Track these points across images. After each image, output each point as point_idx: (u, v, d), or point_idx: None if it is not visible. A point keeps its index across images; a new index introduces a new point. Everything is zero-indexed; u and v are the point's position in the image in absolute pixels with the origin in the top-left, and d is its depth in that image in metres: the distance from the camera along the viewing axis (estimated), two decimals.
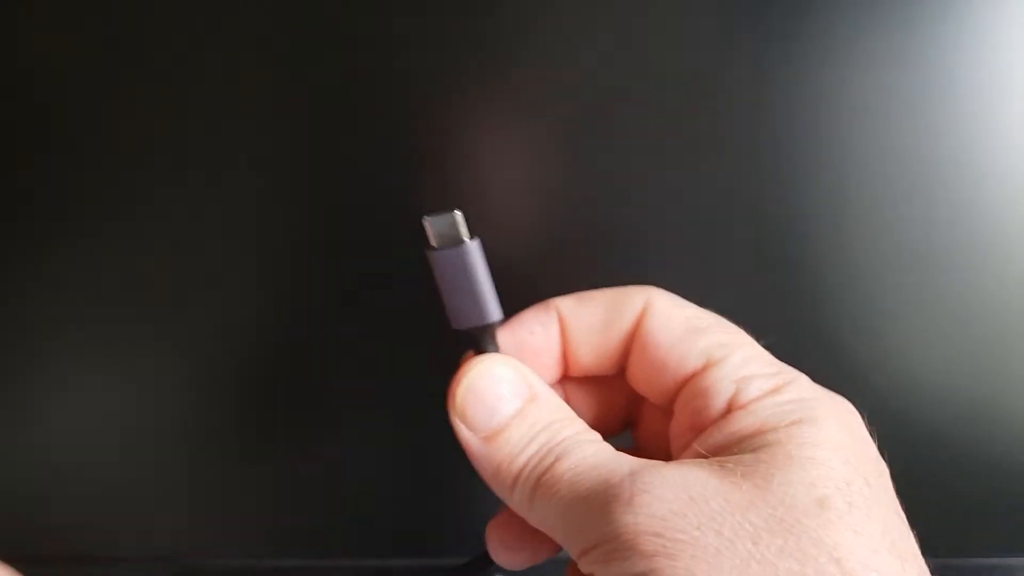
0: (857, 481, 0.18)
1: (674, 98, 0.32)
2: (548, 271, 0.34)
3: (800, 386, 0.20)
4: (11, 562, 0.33)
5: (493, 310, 0.21)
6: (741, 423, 0.19)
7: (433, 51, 0.32)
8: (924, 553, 0.20)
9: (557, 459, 0.19)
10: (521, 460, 0.19)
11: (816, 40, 0.32)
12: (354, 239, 0.34)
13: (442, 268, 0.20)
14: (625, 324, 0.22)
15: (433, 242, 0.20)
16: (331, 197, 0.34)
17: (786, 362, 0.23)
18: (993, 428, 0.35)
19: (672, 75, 0.32)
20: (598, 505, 0.17)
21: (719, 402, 0.19)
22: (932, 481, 0.35)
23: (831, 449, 0.18)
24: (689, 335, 0.21)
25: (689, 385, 0.20)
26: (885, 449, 0.23)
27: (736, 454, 0.18)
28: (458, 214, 0.20)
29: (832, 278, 0.34)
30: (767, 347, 0.22)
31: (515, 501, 0.20)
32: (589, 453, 0.19)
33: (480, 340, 0.21)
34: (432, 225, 0.20)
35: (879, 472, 0.20)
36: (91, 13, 0.32)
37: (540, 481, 0.19)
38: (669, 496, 0.17)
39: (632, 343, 0.21)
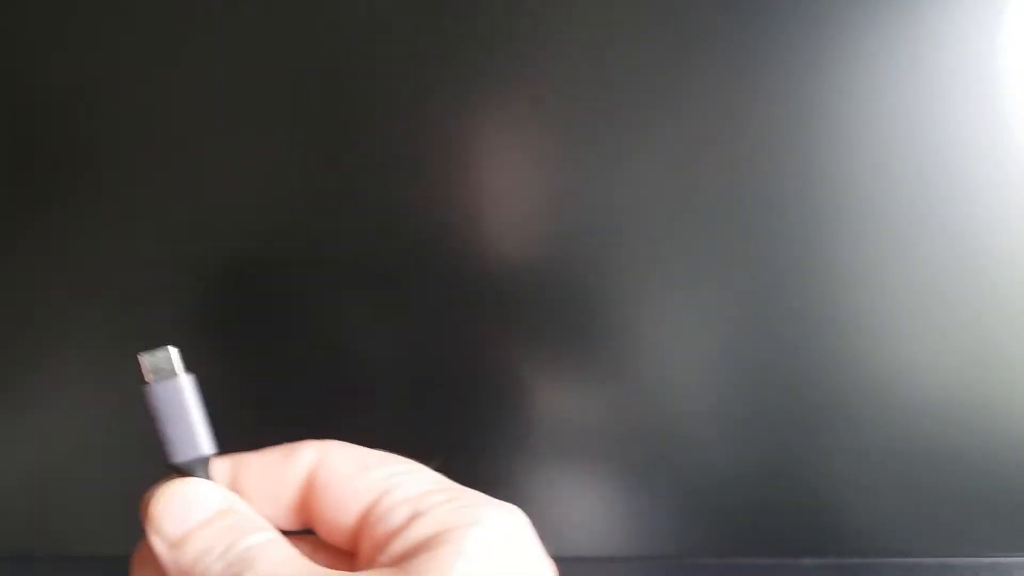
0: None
1: (673, 99, 0.32)
2: (549, 271, 0.34)
3: (473, 496, 0.21)
4: (9, 562, 0.33)
5: (206, 443, 0.21)
6: (421, 529, 0.19)
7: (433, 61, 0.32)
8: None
9: (245, 567, 0.19)
10: (205, 562, 0.20)
11: (815, 42, 0.32)
12: (351, 241, 0.34)
13: (157, 402, 0.21)
14: (299, 471, 0.22)
15: (148, 377, 0.21)
16: (322, 200, 0.34)
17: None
18: (993, 428, 0.35)
19: (671, 77, 0.32)
20: None
21: (395, 523, 0.20)
22: (932, 481, 0.35)
23: (499, 549, 0.19)
24: (359, 471, 0.22)
25: (365, 518, 0.21)
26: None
27: (416, 558, 0.19)
28: (173, 350, 0.21)
29: (832, 278, 0.34)
30: (438, 469, 0.22)
31: None
32: (277, 560, 0.19)
33: (194, 473, 0.22)
34: (147, 361, 0.21)
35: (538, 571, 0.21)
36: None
37: None
38: None
39: (309, 492, 0.22)
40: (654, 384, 0.35)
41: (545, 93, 0.33)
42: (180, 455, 0.21)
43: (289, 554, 0.20)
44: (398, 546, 0.19)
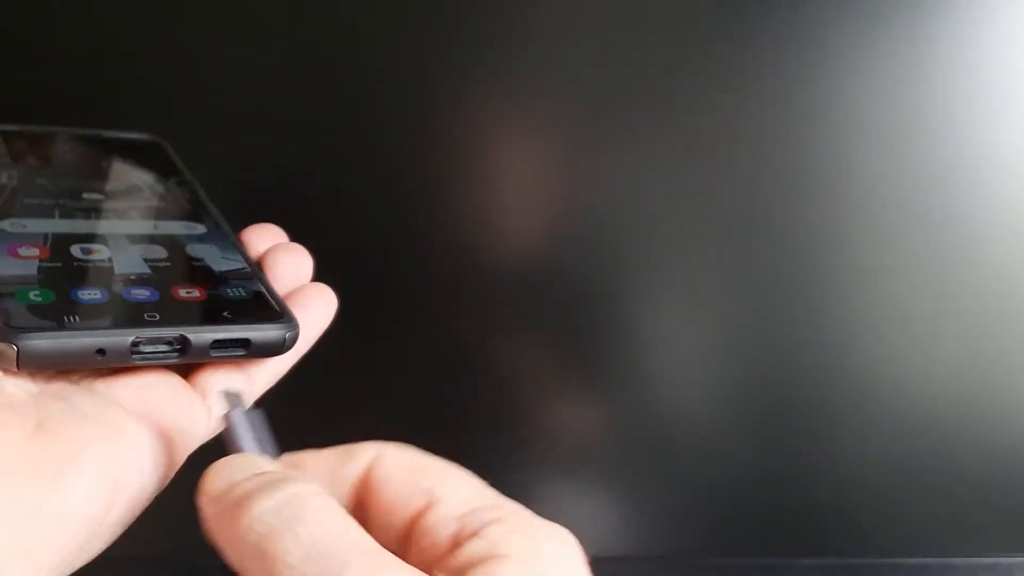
0: None
1: (674, 101, 0.33)
2: (551, 272, 0.34)
3: (524, 519, 0.21)
4: None
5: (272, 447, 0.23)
6: (475, 551, 0.20)
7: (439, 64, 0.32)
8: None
9: (296, 512, 0.19)
10: (251, 503, 0.19)
11: (820, 46, 0.32)
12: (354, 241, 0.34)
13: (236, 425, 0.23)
14: (355, 470, 0.23)
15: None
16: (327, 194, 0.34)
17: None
18: (993, 429, 0.35)
19: (677, 79, 0.32)
20: None
21: (443, 538, 0.20)
22: (932, 481, 0.35)
23: (554, 566, 0.20)
24: (412, 475, 0.22)
25: (414, 525, 0.21)
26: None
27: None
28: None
29: (831, 282, 0.34)
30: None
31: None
32: (326, 520, 0.19)
33: None
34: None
35: None
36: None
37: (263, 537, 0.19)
38: None
39: (364, 492, 0.22)
40: (656, 387, 0.35)
41: (549, 96, 0.33)
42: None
43: (341, 518, 0.19)
44: (452, 564, 0.19)
